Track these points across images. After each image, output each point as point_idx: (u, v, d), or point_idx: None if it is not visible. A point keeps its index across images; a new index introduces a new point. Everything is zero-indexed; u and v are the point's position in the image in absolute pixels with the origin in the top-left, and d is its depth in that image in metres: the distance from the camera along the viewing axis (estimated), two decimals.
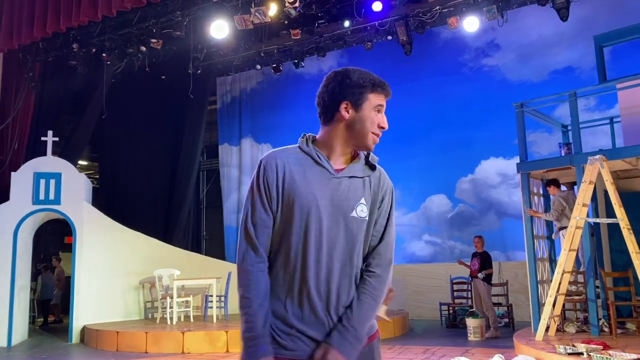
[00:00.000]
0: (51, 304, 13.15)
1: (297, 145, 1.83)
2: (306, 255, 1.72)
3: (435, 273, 11.18)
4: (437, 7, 10.57)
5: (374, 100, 1.79)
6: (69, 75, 11.85)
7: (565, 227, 7.62)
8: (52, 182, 9.55)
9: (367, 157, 1.87)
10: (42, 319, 12.91)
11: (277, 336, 1.72)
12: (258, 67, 12.92)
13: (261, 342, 1.68)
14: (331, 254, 1.73)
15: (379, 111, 1.81)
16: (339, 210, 1.75)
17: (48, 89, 11.69)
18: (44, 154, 9.78)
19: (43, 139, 9.84)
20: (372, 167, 1.86)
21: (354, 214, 1.76)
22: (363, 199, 1.79)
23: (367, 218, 1.80)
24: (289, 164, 1.76)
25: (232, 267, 10.92)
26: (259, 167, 1.78)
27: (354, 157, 1.85)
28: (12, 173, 9.62)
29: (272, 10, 9.63)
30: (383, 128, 1.82)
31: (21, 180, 9.48)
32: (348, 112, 1.78)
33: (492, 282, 9.95)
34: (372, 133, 1.80)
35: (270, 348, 1.69)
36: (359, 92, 1.78)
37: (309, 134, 1.85)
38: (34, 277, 13.23)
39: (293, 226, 1.72)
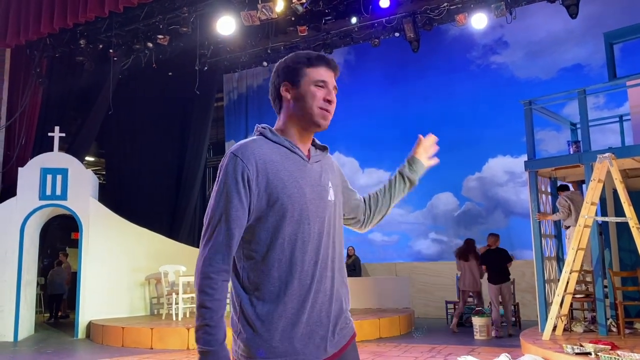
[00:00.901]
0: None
1: (259, 136, 1.73)
2: (305, 247, 1.65)
3: (441, 271, 11.13)
4: (445, 4, 10.51)
5: (313, 74, 1.74)
6: (76, 71, 11.88)
7: (569, 227, 7.64)
8: (59, 177, 9.57)
9: (313, 141, 1.85)
10: (47, 314, 12.97)
11: (273, 341, 1.59)
12: (265, 63, 12.89)
13: (221, 357, 1.53)
14: (326, 242, 1.71)
15: (322, 86, 1.74)
16: (319, 196, 1.73)
17: (55, 85, 11.72)
18: (51, 149, 9.81)
19: (50, 134, 9.87)
20: (323, 149, 1.85)
21: (329, 197, 1.77)
22: (330, 182, 1.80)
23: (335, 201, 1.80)
24: (266, 154, 1.66)
25: None
26: (233, 159, 1.62)
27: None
28: (19, 168, 9.66)
29: (279, 6, 9.60)
30: (329, 101, 1.73)
31: (28, 175, 9.51)
32: (289, 92, 1.75)
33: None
34: (319, 108, 1.72)
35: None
36: (294, 70, 1.75)
37: (265, 124, 1.78)
38: (44, 272, 13.32)
39: (286, 219, 1.63)
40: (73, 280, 12.04)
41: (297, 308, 1.63)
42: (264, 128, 1.75)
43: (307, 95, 1.73)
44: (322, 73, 1.75)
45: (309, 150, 1.79)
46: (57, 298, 12.90)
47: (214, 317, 1.54)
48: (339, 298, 1.74)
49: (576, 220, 7.51)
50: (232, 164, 1.61)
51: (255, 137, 1.72)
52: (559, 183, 8.46)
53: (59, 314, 12.97)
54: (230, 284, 1.67)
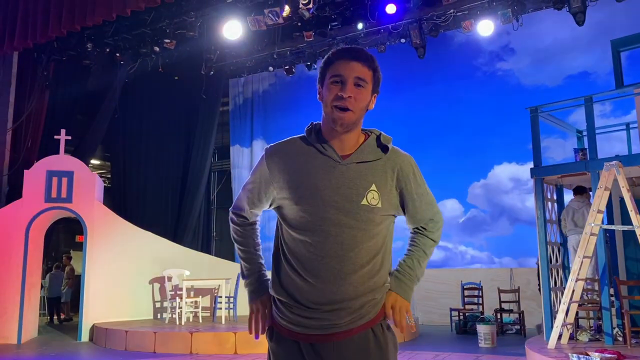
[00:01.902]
0: (62, 302, 13.22)
1: (303, 134, 1.82)
2: (311, 248, 1.69)
3: (446, 278, 11.07)
4: (452, 10, 10.50)
5: (330, 72, 1.73)
6: (82, 75, 11.94)
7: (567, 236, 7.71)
8: (65, 180, 9.59)
9: (378, 138, 1.79)
10: (48, 317, 12.96)
11: (285, 317, 1.75)
12: (270, 69, 12.92)
13: (252, 288, 1.87)
14: (341, 245, 1.68)
15: (339, 82, 1.70)
16: (346, 198, 1.69)
17: (62, 88, 11.78)
18: (57, 152, 9.82)
19: (56, 137, 9.89)
20: (384, 149, 1.78)
21: (364, 201, 1.70)
22: (374, 185, 1.72)
23: (380, 206, 1.72)
24: (291, 155, 1.76)
25: None
26: (262, 157, 1.82)
27: (364, 139, 1.78)
28: (25, 171, 9.68)
29: (286, 11, 9.61)
30: (341, 97, 1.68)
31: (34, 178, 9.53)
32: (320, 94, 1.78)
33: (504, 288, 9.89)
34: (332, 106, 1.70)
35: (259, 293, 1.84)
36: (321, 73, 1.78)
37: (317, 122, 1.83)
38: (43, 275, 13.31)
39: (297, 219, 1.72)
40: (77, 283, 12.05)
41: (292, 304, 1.72)
42: (309, 128, 1.81)
43: (325, 95, 1.74)
44: (338, 67, 1.72)
45: (352, 148, 1.75)
46: (55, 301, 12.89)
47: (242, 255, 1.91)
48: (353, 308, 1.70)
49: (568, 228, 7.65)
50: (260, 161, 1.83)
51: (297, 136, 1.82)
52: (565, 190, 8.43)
53: (62, 316, 12.96)
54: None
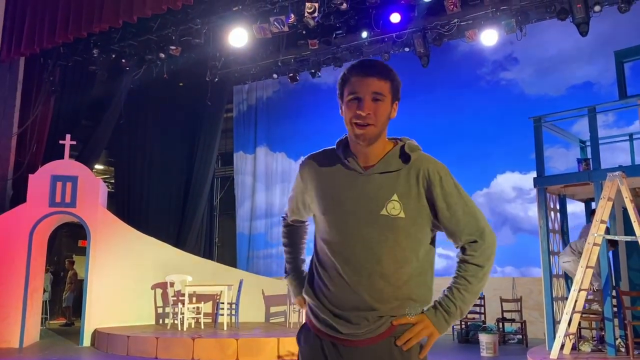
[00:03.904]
0: (63, 307, 13.24)
1: (334, 146, 1.90)
2: (333, 257, 1.76)
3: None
4: (456, 20, 10.54)
5: (347, 90, 1.75)
6: (88, 80, 12.00)
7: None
8: (69, 185, 9.62)
9: (403, 147, 1.79)
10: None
11: (315, 317, 1.82)
12: (275, 76, 12.97)
13: (293, 284, 2.05)
14: (360, 255, 1.72)
15: (356, 99, 1.72)
16: (367, 209, 1.73)
17: (67, 93, 11.84)
18: (62, 157, 9.87)
19: (61, 142, 9.94)
20: (407, 158, 1.76)
21: (383, 212, 1.71)
22: (395, 195, 1.72)
23: (402, 216, 1.71)
24: (322, 166, 1.85)
25: (243, 275, 10.91)
26: (301, 163, 1.94)
27: (391, 149, 1.79)
28: (30, 175, 9.73)
29: (292, 19, 9.66)
30: (359, 115, 1.70)
31: (38, 182, 9.57)
32: (341, 110, 1.80)
33: (506, 298, 9.87)
34: (351, 124, 1.73)
35: (298, 289, 2.00)
36: (340, 89, 1.80)
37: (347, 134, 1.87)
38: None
39: (324, 229, 1.81)
40: (79, 287, 12.06)
41: (320, 308, 1.78)
42: (339, 140, 1.88)
43: (345, 112, 1.77)
44: (355, 84, 1.74)
45: (375, 159, 1.77)
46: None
47: (285, 254, 2.11)
48: (370, 319, 1.72)
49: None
50: (299, 166, 1.95)
51: (330, 147, 1.93)
52: (567, 200, 8.43)
53: (61, 320, 12.94)
54: None
